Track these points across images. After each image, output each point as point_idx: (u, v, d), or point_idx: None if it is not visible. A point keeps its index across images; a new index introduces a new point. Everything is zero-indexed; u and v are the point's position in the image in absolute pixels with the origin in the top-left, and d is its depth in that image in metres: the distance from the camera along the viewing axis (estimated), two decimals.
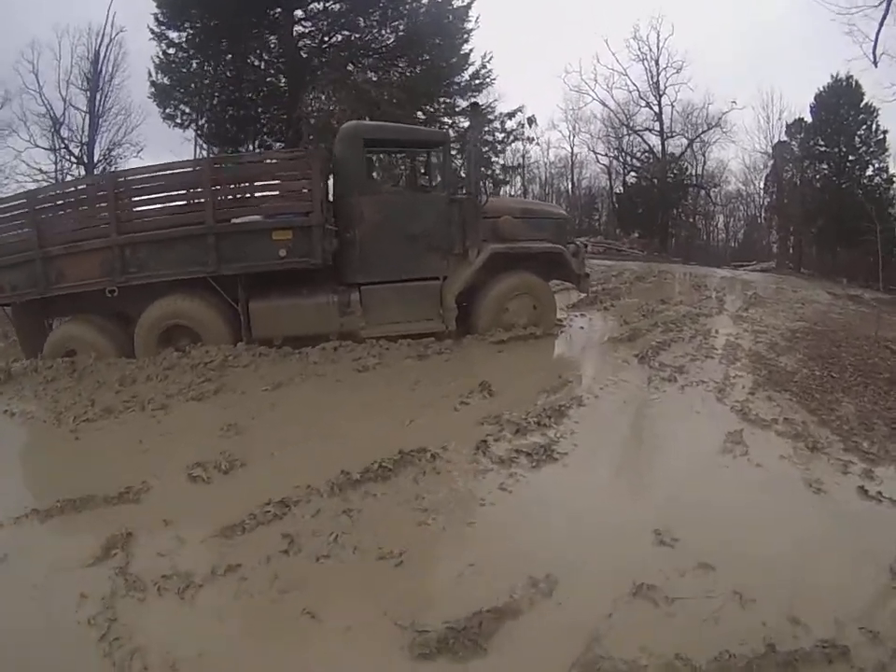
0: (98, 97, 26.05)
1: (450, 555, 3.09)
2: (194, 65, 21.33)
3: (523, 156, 35.64)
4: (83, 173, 25.33)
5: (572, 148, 37.62)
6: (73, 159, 26.08)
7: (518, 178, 37.93)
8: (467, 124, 7.55)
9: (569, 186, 39.60)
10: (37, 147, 25.80)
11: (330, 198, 6.53)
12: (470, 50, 22.32)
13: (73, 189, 6.82)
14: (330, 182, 6.57)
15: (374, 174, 7.79)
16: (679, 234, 33.85)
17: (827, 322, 10.00)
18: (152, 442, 4.37)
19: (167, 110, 21.79)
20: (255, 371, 5.82)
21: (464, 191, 6.69)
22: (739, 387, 5.48)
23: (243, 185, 6.39)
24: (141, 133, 25.90)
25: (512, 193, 35.96)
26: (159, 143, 26.84)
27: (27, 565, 2.98)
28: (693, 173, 32.91)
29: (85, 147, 26.22)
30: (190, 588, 2.71)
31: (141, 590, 2.71)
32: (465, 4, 21.76)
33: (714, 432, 4.42)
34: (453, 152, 7.13)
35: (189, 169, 6.68)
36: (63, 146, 26.04)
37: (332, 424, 4.59)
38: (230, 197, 6.30)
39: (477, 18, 21.97)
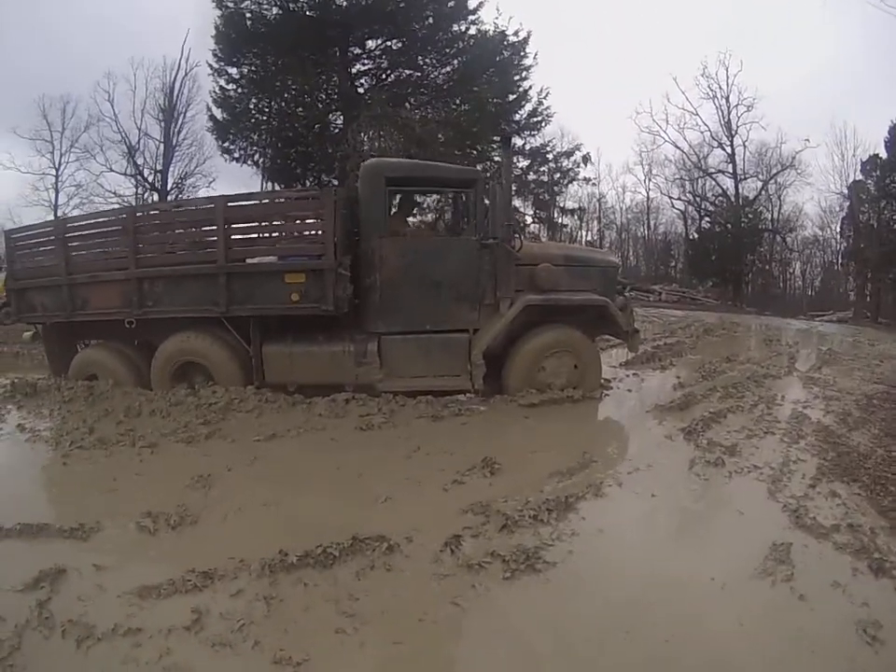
0: (172, 128, 28.72)
1: None
2: (250, 101, 22.54)
3: (599, 200, 36.81)
4: (157, 198, 27.58)
5: (647, 193, 38.18)
6: (147, 185, 28.54)
7: (595, 223, 38.88)
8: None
9: (645, 231, 40.12)
10: (112, 171, 28.79)
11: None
12: (529, 87, 22.46)
13: (98, 220, 6.98)
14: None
15: (405, 216, 7.47)
16: (754, 282, 33.22)
17: None
18: (125, 482, 4.38)
19: (224, 144, 23.17)
20: (256, 418, 5.60)
21: (490, 235, 6.14)
22: (799, 477, 4.51)
23: (255, 224, 6.24)
24: (213, 164, 28.15)
25: (589, 239, 36.43)
26: (231, 175, 28.82)
27: None
28: (769, 217, 32.25)
29: (159, 174, 28.81)
30: (89, 640, 2.66)
31: (49, 627, 2.73)
32: (521, 39, 21.85)
33: (756, 544, 3.50)
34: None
35: (204, 207, 6.75)
36: (137, 172, 28.73)
37: (301, 490, 4.22)
38: (243, 237, 6.19)
39: (535, 54, 22.08)
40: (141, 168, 28.90)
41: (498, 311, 6.18)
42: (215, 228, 6.01)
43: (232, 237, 6.05)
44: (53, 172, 30.32)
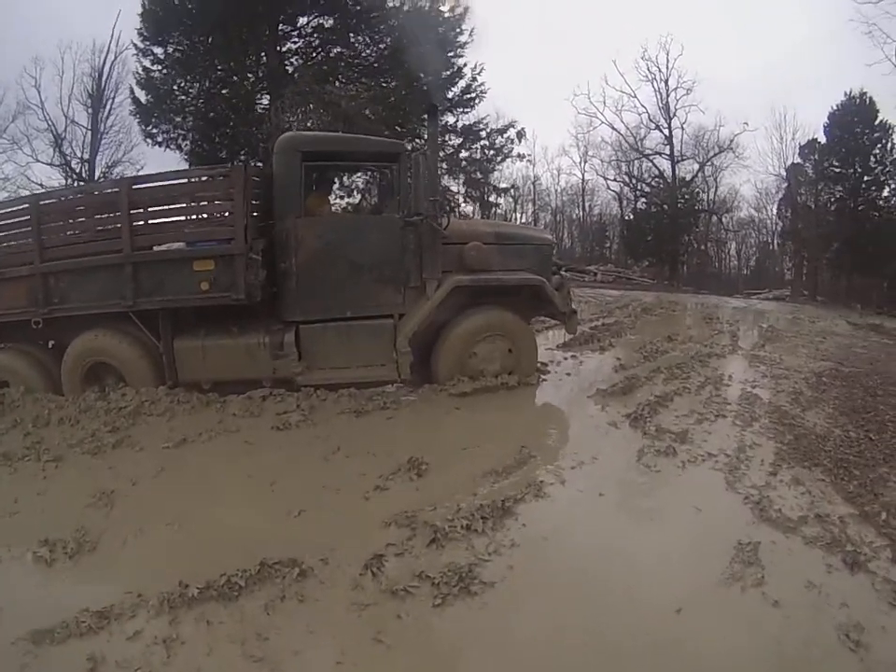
0: (100, 114, 27.37)
1: None
2: (174, 82, 21.69)
3: (534, 182, 37.27)
4: None
5: (583, 175, 38.51)
6: (74, 175, 27.22)
7: (529, 205, 39.35)
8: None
9: (580, 213, 40.44)
10: (38, 161, 27.27)
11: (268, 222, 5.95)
12: (464, 65, 22.23)
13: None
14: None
15: (325, 195, 7.09)
16: (690, 262, 34.08)
17: (853, 360, 8.70)
18: (26, 503, 4.13)
19: (148, 128, 22.25)
20: (167, 422, 5.30)
21: (414, 212, 5.82)
22: (757, 463, 4.40)
23: (162, 208, 5.84)
24: (141, 151, 26.66)
25: (523, 221, 36.86)
26: (160, 162, 28.09)
27: None
28: (705, 198, 33.16)
29: (86, 163, 27.54)
30: None
31: None
32: (456, 15, 21.56)
33: (720, 545, 3.35)
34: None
35: (107, 191, 6.30)
36: (64, 161, 27.37)
37: (208, 504, 3.98)
38: (149, 222, 5.74)
39: (472, 31, 21.79)
40: (69, 158, 27.52)
41: (425, 293, 5.89)
42: (119, 213, 5.58)
43: (138, 223, 5.61)
44: None
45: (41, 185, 26.12)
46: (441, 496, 3.84)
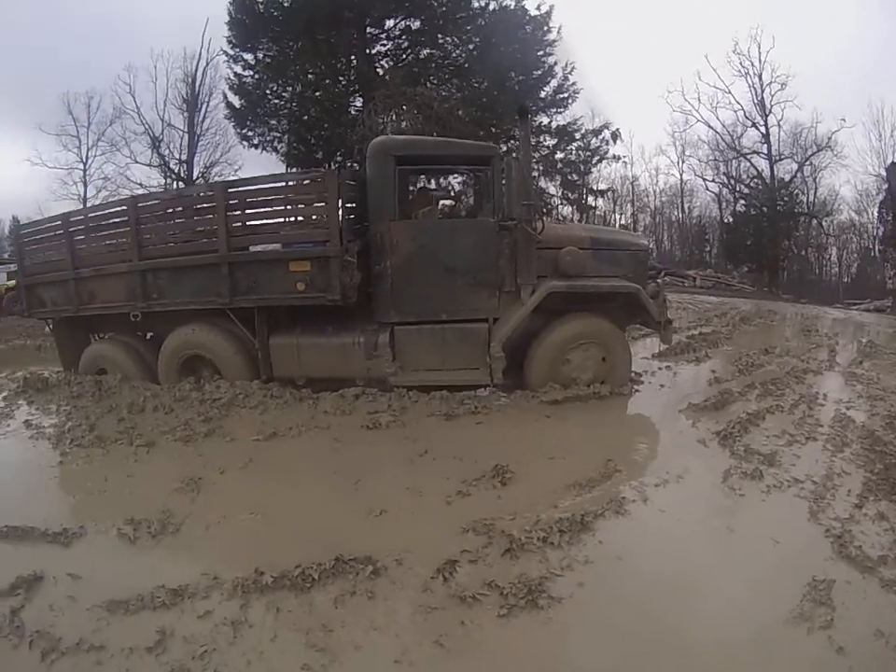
0: (195, 117, 29.56)
1: None
2: (267, 87, 22.72)
3: (632, 182, 37.21)
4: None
5: (681, 175, 37.83)
6: (172, 175, 29.52)
7: (628, 207, 39.22)
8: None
9: (679, 215, 39.84)
10: (137, 162, 30.00)
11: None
12: (554, 63, 22.20)
13: (100, 212, 6.98)
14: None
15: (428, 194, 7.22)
16: (790, 268, 33.00)
17: None
18: (115, 483, 4.45)
19: (243, 131, 23.51)
20: (259, 415, 5.58)
21: (508, 217, 5.90)
22: (844, 493, 4.14)
23: (257, 210, 6.14)
24: (238, 152, 28.75)
25: (622, 222, 36.80)
26: (257, 162, 29.57)
27: None
28: (804, 200, 31.83)
29: (184, 164, 29.76)
30: (53, 653, 2.72)
31: (19, 636, 2.81)
32: (543, 13, 21.53)
33: (794, 580, 3.14)
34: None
35: (203, 194, 6.78)
36: (162, 162, 29.78)
37: (292, 497, 4.13)
38: (245, 224, 6.06)
39: (559, 28, 21.82)
40: (166, 158, 29.91)
41: (519, 298, 5.94)
42: (215, 216, 5.96)
43: (234, 224, 5.95)
44: (81, 166, 31.76)
45: (140, 184, 28.95)
46: (522, 505, 3.84)
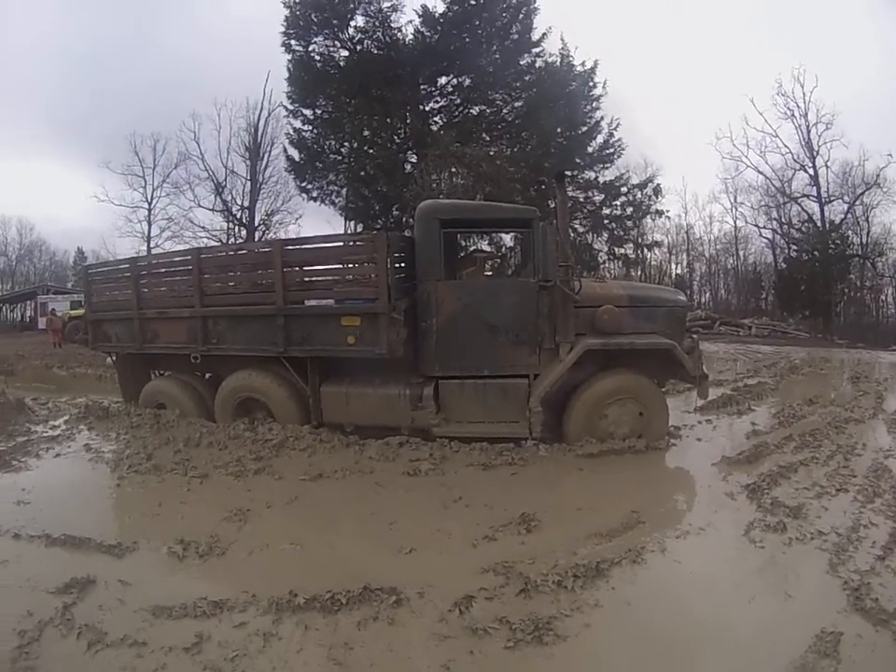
0: (257, 166, 31.07)
1: None
2: (325, 142, 23.80)
3: (687, 231, 37.27)
4: (244, 234, 29.94)
5: (735, 222, 38.08)
6: (235, 221, 31.04)
7: (684, 256, 39.11)
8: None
9: (735, 262, 39.72)
10: (200, 206, 31.75)
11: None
12: (600, 119, 22.79)
13: (166, 260, 7.70)
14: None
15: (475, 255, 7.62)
16: (846, 312, 32.43)
17: None
18: (168, 508, 4.94)
19: (302, 184, 24.61)
20: (308, 457, 5.95)
21: (544, 278, 6.24)
22: (867, 545, 4.14)
23: (313, 267, 6.67)
24: (298, 202, 29.90)
25: (678, 272, 36.65)
26: (317, 212, 30.67)
27: (14, 573, 3.83)
28: (857, 241, 31.45)
29: (246, 210, 31.23)
30: (98, 644, 3.10)
31: (68, 628, 3.22)
32: (588, 68, 22.15)
33: (802, 631, 3.20)
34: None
35: (261, 250, 7.39)
36: (225, 208, 31.33)
37: (330, 533, 4.47)
38: (301, 279, 6.53)
39: (605, 83, 22.40)
40: (229, 204, 31.60)
41: (558, 356, 6.25)
42: (272, 271, 6.45)
43: (291, 279, 6.45)
44: (146, 205, 34.01)
45: (203, 227, 30.77)
46: (543, 551, 4.06)
